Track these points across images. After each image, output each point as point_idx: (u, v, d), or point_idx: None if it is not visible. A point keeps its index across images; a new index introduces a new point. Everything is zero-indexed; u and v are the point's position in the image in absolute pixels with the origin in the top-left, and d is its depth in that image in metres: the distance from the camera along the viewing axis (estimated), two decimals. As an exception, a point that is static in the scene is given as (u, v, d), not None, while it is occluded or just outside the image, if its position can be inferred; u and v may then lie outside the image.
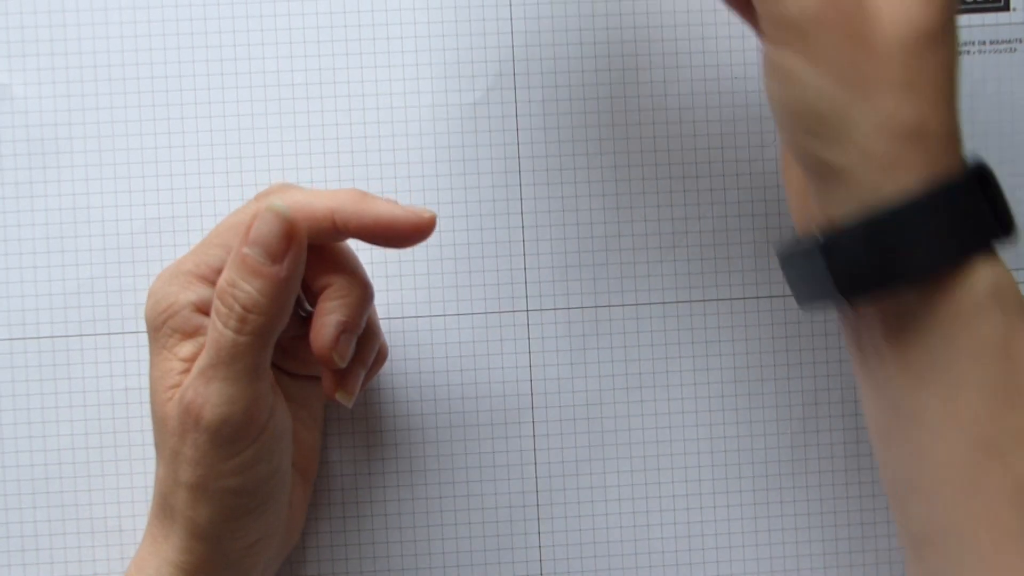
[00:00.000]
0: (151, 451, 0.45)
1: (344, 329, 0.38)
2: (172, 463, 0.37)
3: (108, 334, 0.45)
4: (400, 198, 0.45)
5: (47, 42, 0.45)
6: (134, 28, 0.45)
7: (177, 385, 0.37)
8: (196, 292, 0.38)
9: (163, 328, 0.38)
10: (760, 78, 0.46)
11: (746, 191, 0.46)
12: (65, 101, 0.45)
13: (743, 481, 0.46)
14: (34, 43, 0.45)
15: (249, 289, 0.36)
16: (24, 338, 0.45)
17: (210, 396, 0.36)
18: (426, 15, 0.45)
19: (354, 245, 0.46)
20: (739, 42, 0.46)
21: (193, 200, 0.45)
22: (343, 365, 0.39)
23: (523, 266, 0.46)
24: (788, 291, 0.46)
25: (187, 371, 0.38)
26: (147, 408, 0.45)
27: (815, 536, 0.46)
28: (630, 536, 0.46)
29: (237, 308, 0.36)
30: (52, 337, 0.45)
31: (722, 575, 0.46)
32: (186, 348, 0.38)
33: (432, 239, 0.45)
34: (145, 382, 0.45)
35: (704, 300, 0.46)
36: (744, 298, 0.46)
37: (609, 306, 0.46)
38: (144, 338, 0.45)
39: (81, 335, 0.45)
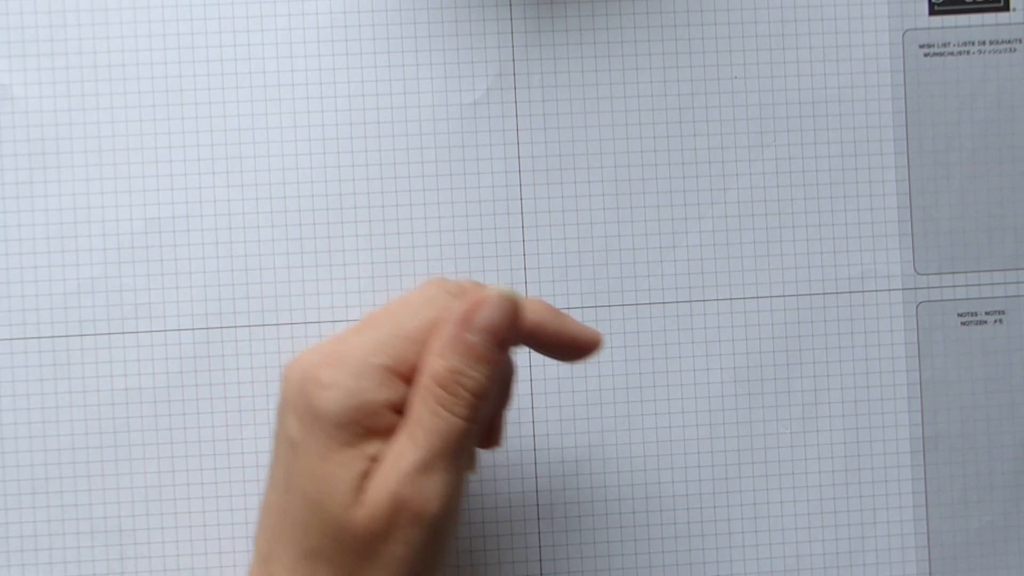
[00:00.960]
0: (151, 451, 0.45)
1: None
2: (357, 566, 0.35)
3: (108, 334, 0.45)
4: (400, 198, 0.45)
5: (47, 42, 0.45)
6: (134, 28, 0.45)
7: (360, 488, 0.35)
8: (394, 390, 0.35)
9: (352, 426, 0.35)
10: (760, 78, 0.46)
11: (746, 191, 0.46)
12: (65, 101, 0.45)
13: (743, 481, 0.46)
14: (34, 43, 0.45)
15: (477, 375, 0.35)
16: (24, 338, 0.45)
17: (435, 489, 0.35)
18: (426, 15, 0.45)
19: (339, 244, 0.46)
20: (739, 42, 0.46)
21: (193, 200, 0.45)
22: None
23: (523, 266, 0.46)
24: (788, 291, 0.46)
25: (368, 472, 0.35)
26: (147, 408, 0.45)
27: (815, 536, 0.46)
28: (630, 536, 0.46)
29: (466, 395, 0.35)
30: (52, 337, 0.45)
31: (722, 575, 0.46)
32: (374, 447, 0.35)
33: (432, 239, 0.45)
34: (145, 382, 0.45)
35: (704, 300, 0.46)
36: (744, 298, 0.46)
37: (609, 306, 0.46)
38: (145, 338, 0.45)
39: (81, 335, 0.45)
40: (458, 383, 0.35)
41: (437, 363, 0.35)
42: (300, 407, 0.35)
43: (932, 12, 0.46)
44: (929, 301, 0.46)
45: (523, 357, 0.46)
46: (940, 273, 0.46)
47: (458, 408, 0.35)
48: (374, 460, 0.35)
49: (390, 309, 0.37)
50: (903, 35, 0.46)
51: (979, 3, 0.46)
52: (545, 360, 0.46)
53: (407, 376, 0.36)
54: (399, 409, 0.36)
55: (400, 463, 0.35)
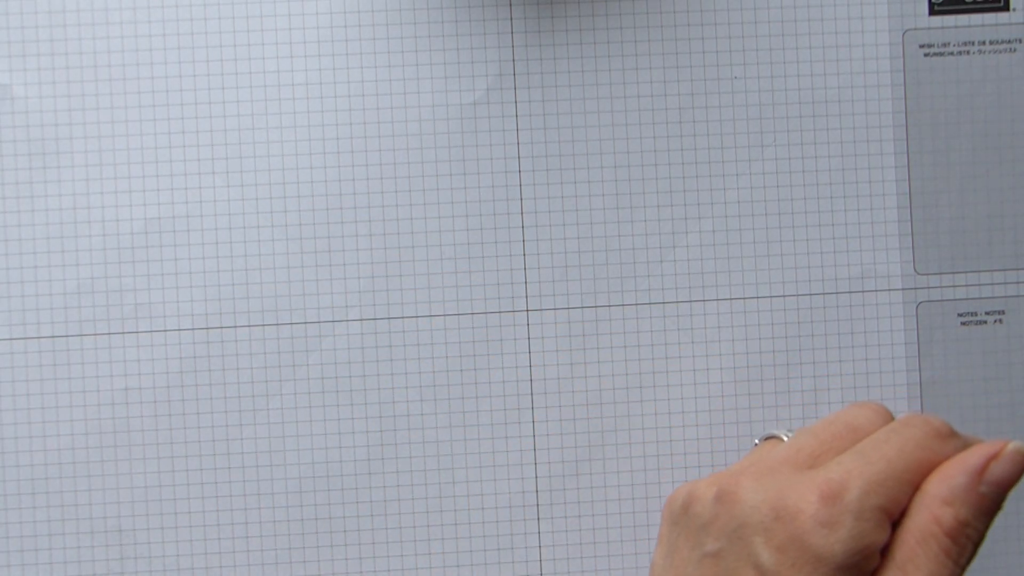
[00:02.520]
0: (151, 451, 0.45)
1: None
2: None
3: (108, 334, 0.45)
4: (400, 198, 0.45)
5: (47, 42, 0.45)
6: (134, 28, 0.45)
7: None
8: (886, 532, 0.35)
9: (852, 569, 0.34)
10: (760, 78, 0.46)
11: (746, 191, 0.46)
12: (65, 101, 0.45)
13: (743, 481, 0.46)
14: (34, 43, 0.45)
15: (981, 527, 0.35)
16: (24, 338, 0.45)
17: None
18: (426, 15, 0.45)
19: (339, 244, 0.46)
20: (739, 42, 0.46)
21: (193, 200, 0.45)
22: None
23: (523, 266, 0.46)
24: (788, 291, 0.46)
25: None
26: (147, 408, 0.45)
27: (815, 536, 0.46)
28: (630, 536, 0.46)
29: (969, 546, 0.35)
30: (52, 337, 0.45)
31: (722, 575, 0.46)
32: None
33: (432, 239, 0.45)
34: (145, 382, 0.45)
35: (704, 300, 0.46)
36: (744, 298, 0.46)
37: (609, 306, 0.46)
38: (145, 338, 0.45)
39: (81, 335, 0.45)
40: (964, 534, 0.35)
41: (946, 512, 0.35)
42: (781, 537, 0.35)
43: (932, 12, 0.46)
44: (929, 301, 0.46)
45: (522, 357, 0.46)
46: (940, 273, 0.46)
47: (961, 558, 0.35)
48: None
49: (874, 439, 0.36)
50: (903, 35, 0.46)
51: (979, 3, 0.46)
52: (545, 360, 0.46)
53: (894, 517, 0.35)
54: (883, 550, 0.35)
55: None
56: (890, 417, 0.38)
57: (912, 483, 0.35)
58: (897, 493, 0.35)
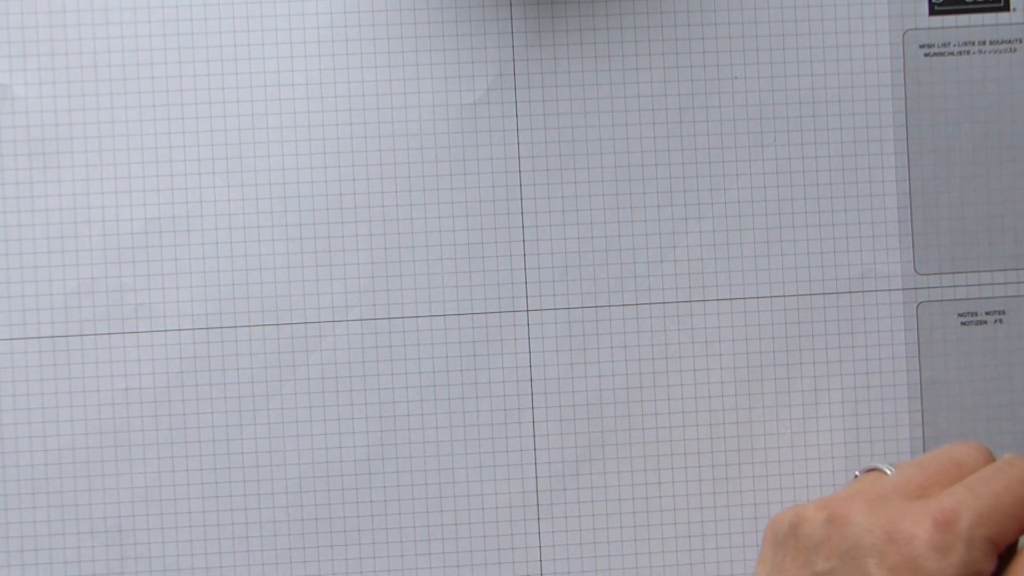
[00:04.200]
0: (151, 451, 0.45)
1: None
2: None
3: (108, 334, 0.45)
4: (400, 198, 0.45)
5: (47, 42, 0.45)
6: (134, 28, 0.45)
7: None
8: (992, 562, 0.36)
9: None
10: (760, 78, 0.46)
11: (746, 191, 0.46)
12: (65, 101, 0.45)
13: (743, 481, 0.46)
14: (34, 43, 0.45)
15: None
16: (24, 338, 0.45)
17: None
18: (426, 15, 0.45)
19: (339, 244, 0.46)
20: (739, 42, 0.46)
21: (193, 200, 0.45)
22: None
23: (523, 266, 0.46)
24: (788, 291, 0.46)
25: None
26: (147, 408, 0.45)
27: (815, 536, 0.46)
28: (630, 536, 0.46)
29: None
30: (52, 337, 0.45)
31: (722, 575, 0.46)
32: None
33: (432, 239, 0.45)
34: (145, 382, 0.45)
35: (704, 300, 0.46)
36: (744, 298, 0.46)
37: (609, 306, 0.46)
38: (145, 338, 0.45)
39: (81, 335, 0.45)
40: None
41: None
42: (895, 559, 0.36)
43: (932, 12, 0.46)
44: (929, 301, 0.46)
45: (523, 357, 0.46)
46: (940, 273, 0.46)
47: None
48: None
49: (981, 475, 0.38)
50: (903, 35, 0.46)
51: (979, 3, 0.46)
52: (545, 360, 0.46)
53: (1000, 549, 0.36)
54: None
55: None
56: (991, 455, 0.40)
57: (1017, 519, 0.37)
58: (1003, 527, 0.36)
